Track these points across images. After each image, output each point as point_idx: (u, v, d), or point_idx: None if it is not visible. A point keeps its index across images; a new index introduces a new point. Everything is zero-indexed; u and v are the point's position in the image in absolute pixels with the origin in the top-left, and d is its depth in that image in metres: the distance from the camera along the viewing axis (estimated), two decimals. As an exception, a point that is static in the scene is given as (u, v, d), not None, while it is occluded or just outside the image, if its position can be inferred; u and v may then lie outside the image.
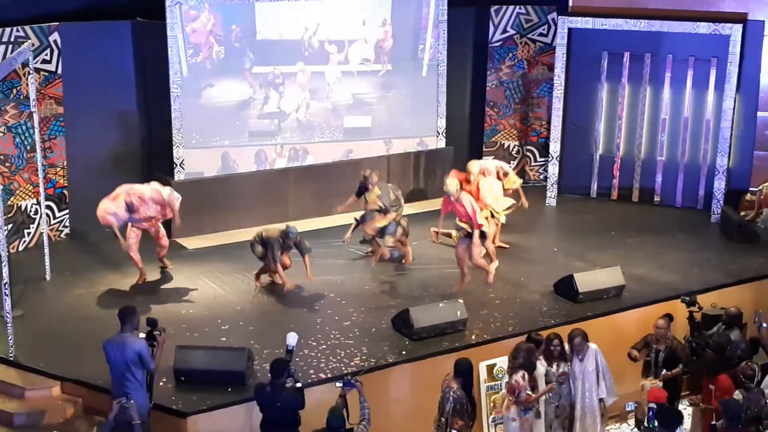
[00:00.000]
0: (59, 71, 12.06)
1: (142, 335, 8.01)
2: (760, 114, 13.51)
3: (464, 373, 8.40)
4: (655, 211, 13.86)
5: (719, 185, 13.38)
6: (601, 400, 9.08)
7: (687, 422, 9.53)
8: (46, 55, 11.91)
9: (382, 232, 11.44)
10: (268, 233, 10.80)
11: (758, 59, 13.20)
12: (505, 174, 12.24)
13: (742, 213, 13.20)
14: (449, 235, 12.16)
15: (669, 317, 9.44)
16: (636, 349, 9.39)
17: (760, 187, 13.21)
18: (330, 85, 13.46)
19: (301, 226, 12.95)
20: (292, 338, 8.24)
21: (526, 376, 8.53)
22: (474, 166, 11.99)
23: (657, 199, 14.11)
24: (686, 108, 13.76)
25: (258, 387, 8.11)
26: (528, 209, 12.64)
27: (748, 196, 13.42)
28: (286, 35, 13.11)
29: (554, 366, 8.91)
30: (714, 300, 10.71)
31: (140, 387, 7.90)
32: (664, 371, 9.14)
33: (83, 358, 9.10)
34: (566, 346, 9.04)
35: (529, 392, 8.55)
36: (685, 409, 9.62)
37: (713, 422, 8.48)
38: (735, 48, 13.01)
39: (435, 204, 13.62)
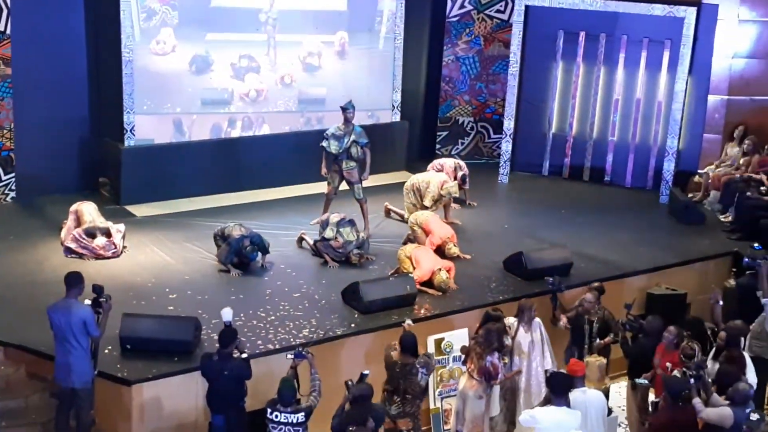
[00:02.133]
0: (8, 31, 11.77)
1: (88, 302, 7.92)
2: (710, 97, 13.68)
3: (413, 347, 8.42)
4: (605, 190, 14.00)
5: (669, 167, 13.53)
6: (546, 371, 9.17)
7: (621, 399, 9.72)
8: (-6, 14, 11.66)
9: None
10: (231, 231, 10.50)
11: (711, 43, 13.34)
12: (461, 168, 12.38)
13: (690, 195, 13.39)
14: (401, 216, 12.16)
15: (598, 290, 9.53)
16: (565, 314, 9.48)
17: (705, 170, 13.41)
18: (285, 54, 13.32)
19: (254, 196, 12.93)
20: (227, 314, 8.13)
21: (498, 356, 8.61)
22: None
23: (607, 178, 14.25)
24: (639, 89, 13.88)
25: (204, 357, 8.07)
26: (480, 185, 12.55)
27: (696, 178, 13.62)
28: (240, 3, 12.94)
29: None
30: (659, 280, 10.88)
31: (85, 354, 7.83)
32: (597, 340, 9.32)
33: (27, 323, 8.96)
34: (509, 320, 9.12)
35: (503, 373, 8.69)
36: (621, 388, 9.77)
37: (654, 399, 8.65)
38: (688, 30, 13.13)
39: (388, 178, 13.62)
